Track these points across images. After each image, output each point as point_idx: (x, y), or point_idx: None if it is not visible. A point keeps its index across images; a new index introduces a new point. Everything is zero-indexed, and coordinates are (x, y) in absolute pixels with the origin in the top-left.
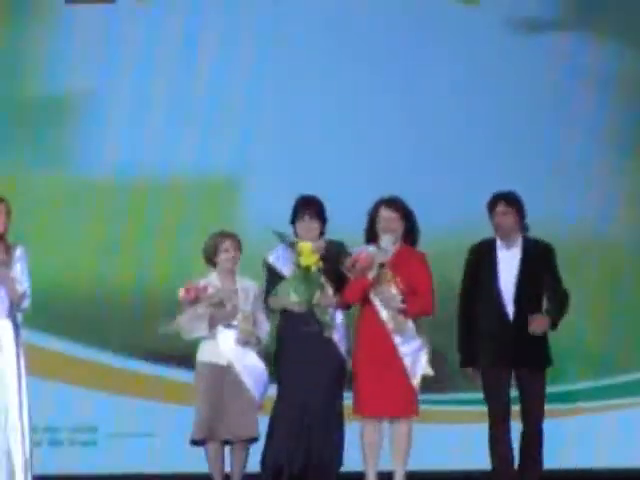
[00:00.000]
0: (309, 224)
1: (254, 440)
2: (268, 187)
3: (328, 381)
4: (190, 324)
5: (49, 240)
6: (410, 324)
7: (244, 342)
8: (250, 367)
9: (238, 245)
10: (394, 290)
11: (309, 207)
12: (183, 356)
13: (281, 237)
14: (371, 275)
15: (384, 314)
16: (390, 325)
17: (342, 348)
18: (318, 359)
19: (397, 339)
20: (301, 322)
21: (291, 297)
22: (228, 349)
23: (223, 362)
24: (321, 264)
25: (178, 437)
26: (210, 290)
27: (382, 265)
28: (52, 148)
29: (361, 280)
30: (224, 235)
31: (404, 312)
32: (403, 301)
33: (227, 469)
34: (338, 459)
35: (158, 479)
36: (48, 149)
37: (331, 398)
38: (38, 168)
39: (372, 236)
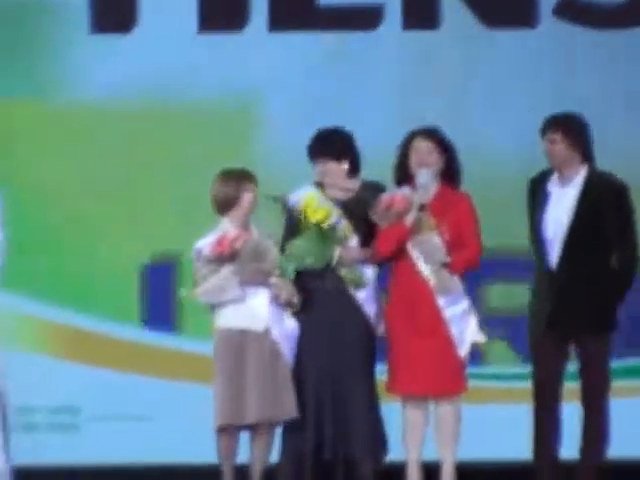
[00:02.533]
0: (318, 166)
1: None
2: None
3: (356, 351)
4: (222, 284)
5: (28, 182)
6: (457, 281)
7: (285, 303)
8: (289, 332)
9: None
10: (436, 239)
11: (324, 144)
12: (186, 321)
13: (277, 201)
14: (409, 221)
15: (425, 269)
16: (433, 283)
17: (370, 311)
18: (341, 325)
19: (442, 300)
20: (318, 279)
21: (305, 259)
22: (264, 312)
23: (258, 327)
24: (336, 214)
25: (179, 421)
26: (240, 242)
27: (422, 208)
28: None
29: (398, 227)
30: (246, 176)
31: (449, 266)
32: (448, 253)
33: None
34: (385, 446)
35: (154, 472)
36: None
37: (362, 371)
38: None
39: (404, 175)
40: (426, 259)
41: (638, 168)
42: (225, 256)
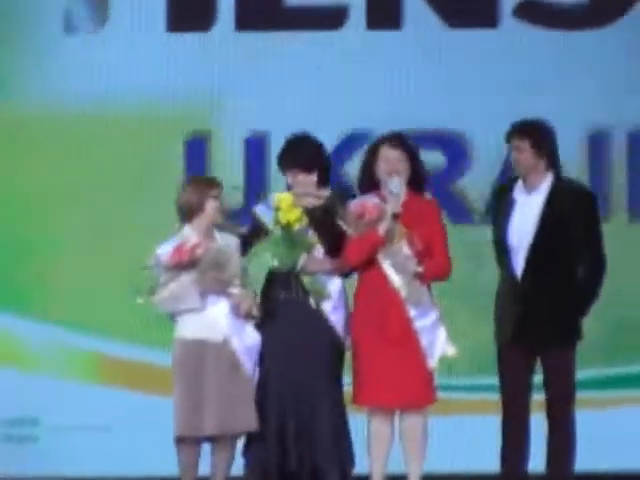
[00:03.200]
0: (291, 178)
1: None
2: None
3: (321, 362)
4: (179, 293)
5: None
6: (427, 292)
7: (245, 314)
8: (249, 343)
9: (221, 193)
10: (406, 249)
11: (291, 157)
12: (148, 331)
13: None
14: (382, 230)
15: (396, 280)
16: (404, 294)
17: (336, 321)
18: (306, 335)
19: (412, 311)
20: (281, 286)
21: (271, 260)
22: (223, 321)
23: (217, 338)
24: (306, 219)
25: (140, 431)
26: (200, 250)
27: (396, 216)
28: None
29: (370, 236)
30: (210, 184)
31: (420, 277)
32: (418, 263)
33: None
34: (351, 458)
35: None
36: None
37: (327, 383)
38: None
39: (369, 183)
40: (397, 270)
41: None
42: (184, 264)
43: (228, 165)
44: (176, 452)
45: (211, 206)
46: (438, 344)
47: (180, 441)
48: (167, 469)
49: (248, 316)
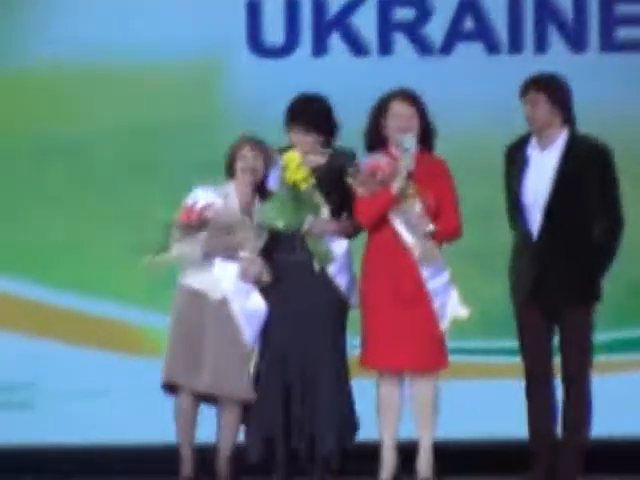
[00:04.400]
0: (300, 137)
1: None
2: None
3: (323, 326)
4: (184, 253)
5: None
6: (439, 252)
7: (251, 279)
8: (252, 310)
9: (260, 152)
10: (419, 208)
11: (302, 114)
12: (146, 294)
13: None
14: (395, 188)
15: (409, 239)
16: (418, 253)
17: (341, 283)
18: (310, 299)
19: (425, 272)
20: (285, 248)
21: (276, 221)
22: (226, 282)
23: (216, 295)
24: (313, 180)
25: (140, 397)
26: (211, 213)
27: (409, 174)
28: None
29: (383, 195)
30: (243, 139)
31: (433, 236)
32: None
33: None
34: (353, 424)
35: (113, 452)
36: None
37: (331, 347)
38: None
39: (377, 141)
40: (410, 229)
41: None
42: (193, 224)
43: None
44: (174, 408)
45: (238, 165)
46: (450, 306)
47: (170, 389)
48: (169, 436)
49: (256, 281)
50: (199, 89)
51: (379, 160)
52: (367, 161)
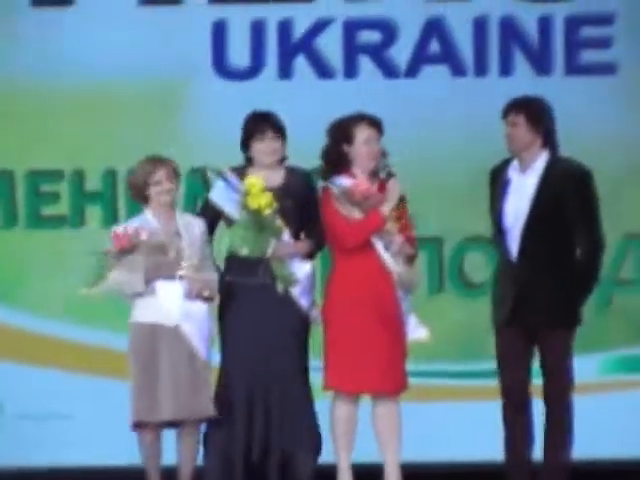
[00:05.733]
0: (271, 143)
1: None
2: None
3: (288, 348)
4: (123, 279)
5: None
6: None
7: (196, 296)
8: (202, 327)
9: (174, 173)
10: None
11: (269, 121)
12: (113, 316)
13: (220, 175)
14: (387, 210)
15: (392, 263)
16: (401, 276)
17: (304, 304)
18: (274, 320)
19: (400, 293)
20: (249, 271)
21: (242, 248)
22: (174, 306)
23: (168, 322)
24: (275, 204)
25: (104, 420)
26: (144, 235)
27: (401, 198)
28: None
29: (375, 217)
30: (155, 161)
31: (412, 260)
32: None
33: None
34: (317, 446)
35: (78, 474)
36: None
37: (297, 367)
38: None
39: (338, 164)
40: (391, 252)
41: None
42: (125, 250)
43: None
44: (137, 439)
45: (154, 190)
46: (410, 329)
47: (138, 427)
48: (133, 458)
49: (200, 298)
50: (164, 111)
51: (361, 183)
52: (348, 184)
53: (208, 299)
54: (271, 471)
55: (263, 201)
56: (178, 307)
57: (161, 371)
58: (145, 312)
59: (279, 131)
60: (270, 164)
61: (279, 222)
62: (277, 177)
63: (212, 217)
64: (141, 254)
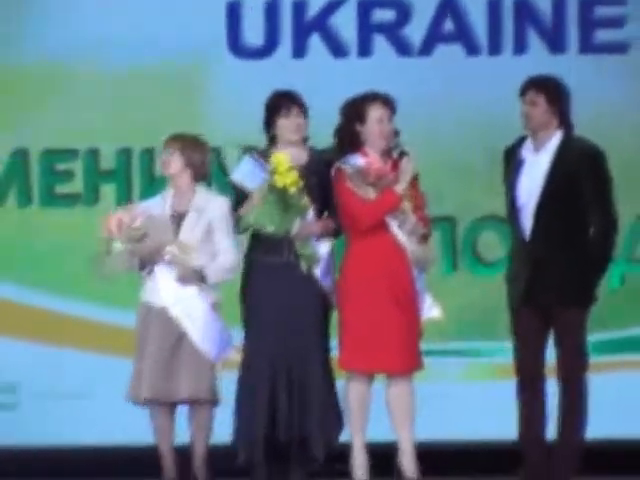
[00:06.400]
0: (297, 120)
1: (212, 403)
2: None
3: (311, 327)
4: (116, 259)
5: None
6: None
7: (182, 280)
8: (194, 312)
9: (185, 150)
10: (411, 211)
11: (295, 98)
12: (128, 294)
13: (248, 152)
14: (401, 189)
15: (407, 241)
16: (416, 255)
17: (326, 284)
18: (298, 300)
19: (415, 272)
20: (273, 250)
21: (267, 225)
22: (166, 289)
23: (161, 303)
24: (301, 183)
25: (122, 399)
26: (138, 222)
27: (415, 177)
28: None
29: (390, 197)
30: (170, 139)
31: (425, 237)
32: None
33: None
34: (340, 424)
35: (96, 453)
36: None
37: (319, 346)
38: None
39: (351, 143)
40: (406, 231)
41: None
42: (114, 236)
43: None
44: (150, 416)
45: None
46: (425, 308)
47: (141, 404)
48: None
49: (185, 282)
50: (180, 91)
51: (374, 162)
52: (362, 163)
53: (196, 283)
54: (293, 450)
55: (289, 179)
56: (169, 289)
57: (149, 352)
58: (145, 293)
59: (303, 108)
60: (295, 141)
61: (305, 200)
62: (302, 155)
63: (243, 200)
64: (121, 240)
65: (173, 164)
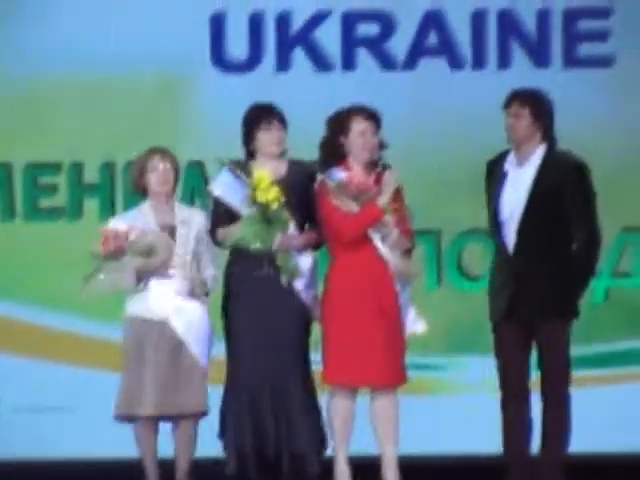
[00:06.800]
0: (278, 133)
1: (203, 415)
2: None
3: (292, 341)
4: (113, 277)
5: None
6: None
7: (187, 292)
8: (194, 324)
9: (171, 162)
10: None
11: (275, 112)
12: (111, 308)
13: (228, 167)
14: (383, 202)
15: (390, 255)
16: (399, 268)
17: (307, 297)
18: (278, 314)
19: (398, 286)
20: (254, 264)
21: (251, 243)
22: (164, 302)
23: (159, 316)
24: (283, 198)
25: (105, 412)
26: (133, 235)
27: (397, 190)
28: None
29: (371, 210)
30: (151, 151)
31: (409, 251)
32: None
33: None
34: (324, 440)
35: (78, 466)
36: None
37: (300, 360)
38: None
39: (335, 156)
40: (388, 245)
41: None
42: (112, 253)
43: None
44: (133, 430)
45: (150, 179)
46: (408, 322)
47: (126, 420)
48: (131, 450)
49: (191, 295)
50: (164, 104)
51: (357, 176)
52: (344, 177)
53: (200, 297)
54: (284, 468)
55: (271, 195)
56: (168, 303)
57: (147, 366)
58: (136, 306)
59: (284, 121)
60: (276, 155)
61: (286, 215)
62: (281, 169)
63: (224, 213)
64: (129, 256)
65: (172, 179)
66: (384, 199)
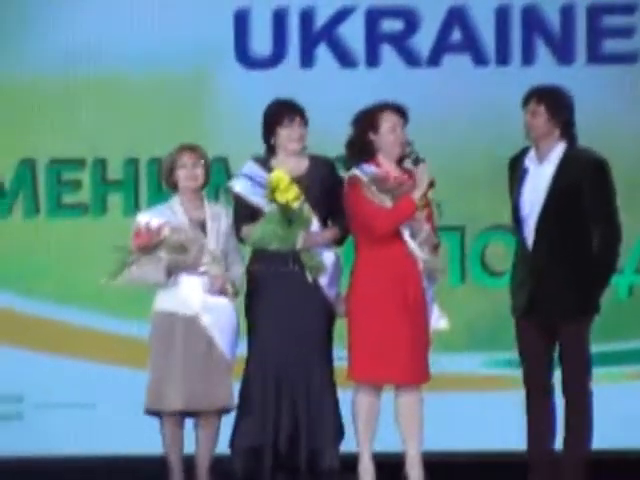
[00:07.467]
0: (299, 129)
1: (227, 411)
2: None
3: (316, 337)
4: (144, 273)
5: None
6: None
7: (218, 291)
8: (223, 320)
9: (200, 159)
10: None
11: (297, 108)
12: (135, 305)
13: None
14: (418, 197)
15: (419, 251)
16: (429, 265)
17: (331, 294)
18: (303, 310)
19: (425, 283)
20: (278, 261)
21: (271, 243)
22: (194, 297)
23: (189, 312)
24: (302, 196)
25: (126, 409)
26: (166, 231)
27: (431, 184)
28: None
29: (407, 205)
30: (181, 148)
31: (435, 247)
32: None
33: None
34: (339, 435)
35: (100, 462)
36: None
37: (321, 359)
38: None
39: (364, 153)
40: (418, 241)
41: None
42: (145, 248)
43: None
44: (160, 428)
45: (180, 175)
46: (432, 319)
47: (155, 415)
48: (156, 446)
49: (222, 293)
50: (188, 100)
51: (392, 170)
52: (378, 171)
53: (231, 295)
54: (301, 464)
55: (291, 195)
56: (198, 298)
57: (175, 361)
58: (166, 302)
59: (305, 118)
60: (296, 151)
61: (307, 213)
62: (302, 165)
63: (245, 209)
64: (161, 251)
65: (201, 176)
66: (419, 193)
